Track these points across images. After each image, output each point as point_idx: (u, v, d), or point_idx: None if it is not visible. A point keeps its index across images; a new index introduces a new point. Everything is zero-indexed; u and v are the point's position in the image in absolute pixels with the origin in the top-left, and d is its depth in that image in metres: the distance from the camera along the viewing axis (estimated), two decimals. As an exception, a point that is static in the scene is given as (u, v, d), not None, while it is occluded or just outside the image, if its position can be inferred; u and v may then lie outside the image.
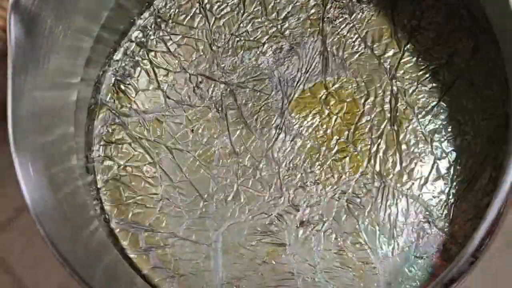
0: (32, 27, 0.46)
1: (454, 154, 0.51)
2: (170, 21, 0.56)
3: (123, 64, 0.56)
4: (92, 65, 0.55)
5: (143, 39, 0.56)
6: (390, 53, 0.53)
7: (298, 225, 0.52)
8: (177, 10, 0.56)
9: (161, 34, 0.56)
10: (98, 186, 0.55)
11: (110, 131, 0.55)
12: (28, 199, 0.44)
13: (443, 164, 0.51)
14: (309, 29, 0.54)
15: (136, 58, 0.56)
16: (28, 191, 0.44)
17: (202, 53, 0.55)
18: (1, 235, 0.64)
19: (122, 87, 0.56)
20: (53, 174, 0.49)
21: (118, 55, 0.56)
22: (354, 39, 0.53)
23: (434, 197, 0.50)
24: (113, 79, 0.56)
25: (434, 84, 0.52)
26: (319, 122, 0.53)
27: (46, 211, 0.46)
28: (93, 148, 0.55)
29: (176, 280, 0.53)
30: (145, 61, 0.56)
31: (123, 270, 0.52)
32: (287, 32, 0.54)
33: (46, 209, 0.46)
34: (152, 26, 0.56)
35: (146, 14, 0.57)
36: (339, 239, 0.51)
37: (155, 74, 0.55)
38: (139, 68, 0.56)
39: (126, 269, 0.53)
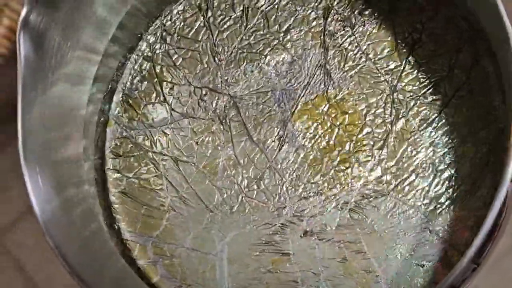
0: (40, 44, 0.46)
1: (454, 164, 0.50)
2: (176, 34, 0.56)
3: (131, 78, 0.56)
4: (100, 79, 0.55)
5: (149, 53, 0.56)
6: (392, 65, 0.52)
7: (302, 235, 0.52)
8: (182, 23, 0.56)
9: (166, 47, 0.56)
10: (107, 198, 0.55)
11: (118, 144, 0.55)
12: (37, 211, 0.45)
13: (444, 174, 0.50)
14: (310, 42, 0.54)
15: (143, 72, 0.56)
16: (38, 203, 0.45)
17: (206, 66, 0.55)
18: (9, 234, 0.65)
19: (130, 100, 0.56)
20: (63, 186, 0.49)
21: (126, 70, 0.56)
22: (355, 52, 0.53)
23: (435, 206, 0.50)
24: (120, 93, 0.56)
25: (435, 96, 0.51)
26: (322, 133, 0.53)
27: (55, 222, 0.46)
28: (103, 161, 0.55)
29: (183, 290, 0.53)
30: (151, 75, 0.56)
31: (132, 281, 0.52)
32: (288, 44, 0.54)
33: (55, 220, 0.46)
34: (158, 40, 0.56)
35: (153, 29, 0.56)
36: (342, 248, 0.51)
37: (161, 87, 0.55)
38: (146, 82, 0.56)
39: (134, 279, 0.53)
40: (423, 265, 0.50)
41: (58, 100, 0.49)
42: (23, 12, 0.44)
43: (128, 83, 0.56)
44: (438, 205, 0.50)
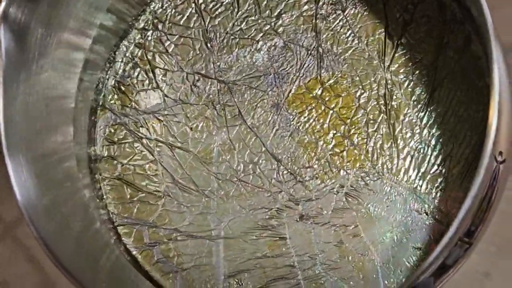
0: (22, 37, 0.43)
1: (450, 146, 0.47)
2: (167, 21, 0.53)
3: (123, 66, 0.53)
4: (91, 68, 0.52)
5: (141, 40, 0.53)
6: (384, 47, 0.49)
7: (298, 219, 0.49)
8: (173, 10, 0.53)
9: (158, 34, 0.53)
10: (102, 185, 0.52)
11: (112, 131, 0.52)
12: (21, 205, 0.42)
13: (439, 156, 0.47)
14: (302, 26, 0.51)
15: (135, 59, 0.53)
16: (21, 195, 0.42)
17: (198, 52, 0.52)
18: (20, 227, 0.62)
19: (122, 88, 0.53)
20: (51, 177, 0.46)
21: (117, 57, 0.53)
22: (347, 35, 0.50)
23: (431, 189, 0.47)
24: (113, 80, 0.53)
25: (428, 77, 0.48)
26: (316, 117, 0.50)
27: (42, 215, 0.43)
28: (96, 148, 0.52)
29: (179, 275, 0.50)
30: (143, 62, 0.53)
31: (127, 270, 0.50)
32: (280, 29, 0.51)
33: (42, 212, 0.43)
34: (150, 27, 0.53)
35: (144, 16, 0.53)
36: (338, 231, 0.48)
37: (154, 74, 0.52)
38: (138, 69, 0.53)
39: (129, 268, 0.50)
40: (420, 248, 0.47)
41: (43, 90, 0.46)
42: (3, 5, 0.41)
43: (121, 70, 0.53)
44: (434, 187, 0.47)
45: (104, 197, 0.52)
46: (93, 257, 0.48)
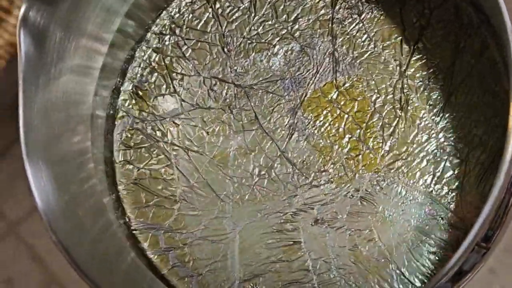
0: (41, 40, 0.43)
1: (466, 150, 0.46)
2: (184, 26, 0.53)
3: (140, 71, 0.53)
4: (108, 72, 0.52)
5: (158, 45, 0.53)
6: (400, 51, 0.49)
7: (313, 223, 0.48)
8: (190, 15, 0.53)
9: (176, 39, 0.53)
10: (118, 189, 0.51)
11: (129, 135, 0.52)
12: (41, 210, 0.42)
13: (455, 160, 0.47)
14: (319, 30, 0.50)
15: (153, 64, 0.53)
16: (41, 200, 0.42)
17: (215, 56, 0.52)
18: (25, 224, 0.62)
19: (140, 92, 0.52)
20: (70, 182, 0.46)
21: (135, 62, 0.53)
22: (363, 39, 0.49)
23: (446, 193, 0.46)
24: (130, 85, 0.53)
25: (444, 82, 0.47)
26: (331, 121, 0.49)
27: (60, 219, 0.43)
28: (113, 153, 0.52)
29: (194, 279, 0.49)
30: (161, 67, 0.53)
31: (142, 274, 0.49)
32: (297, 33, 0.51)
33: (60, 217, 0.43)
34: (167, 32, 0.53)
35: (161, 21, 0.53)
36: (353, 235, 0.48)
37: (171, 78, 0.52)
38: (155, 74, 0.53)
39: (145, 272, 0.50)
40: (435, 253, 0.46)
41: (61, 94, 0.46)
42: (22, 9, 0.42)
43: (138, 75, 0.53)
44: (449, 191, 0.46)
45: (121, 201, 0.51)
46: (109, 261, 0.47)
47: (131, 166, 0.52)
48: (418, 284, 0.46)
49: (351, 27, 0.50)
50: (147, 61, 0.53)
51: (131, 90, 0.52)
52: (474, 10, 0.48)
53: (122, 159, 0.52)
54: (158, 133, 0.51)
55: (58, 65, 0.45)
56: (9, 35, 0.62)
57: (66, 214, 0.44)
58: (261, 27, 0.51)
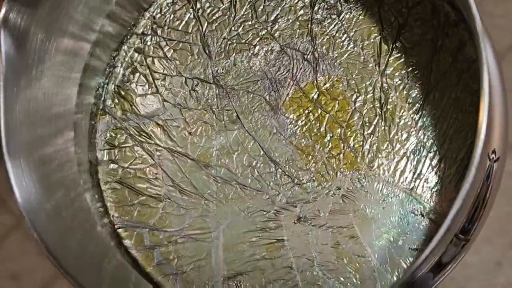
0: (22, 42, 0.42)
1: (445, 147, 0.46)
2: (166, 27, 0.52)
3: (122, 71, 0.52)
4: (91, 72, 0.51)
5: (140, 45, 0.52)
6: (379, 51, 0.48)
7: (296, 221, 0.48)
8: (172, 16, 0.52)
9: (157, 40, 0.52)
10: (103, 189, 0.51)
11: (113, 135, 0.51)
12: (22, 208, 0.41)
13: (435, 157, 0.46)
14: (298, 30, 0.50)
15: (135, 64, 0.52)
16: (23, 199, 0.41)
17: (196, 57, 0.51)
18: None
19: (122, 92, 0.52)
20: (52, 181, 0.45)
21: (117, 62, 0.52)
22: (343, 39, 0.49)
23: (426, 190, 0.46)
24: (113, 85, 0.52)
25: (423, 80, 0.47)
26: (313, 120, 0.49)
27: (44, 219, 0.42)
28: (97, 152, 0.51)
29: (179, 277, 0.49)
30: (143, 67, 0.52)
31: (128, 272, 0.49)
32: (277, 34, 0.50)
33: (44, 217, 0.42)
34: (149, 33, 0.52)
35: (143, 21, 0.52)
36: (335, 233, 0.47)
37: (153, 79, 0.51)
38: (138, 74, 0.52)
39: (130, 270, 0.49)
40: (417, 249, 0.46)
41: (43, 95, 0.46)
42: (3, 10, 0.41)
43: (120, 75, 0.52)
44: (429, 188, 0.46)
45: (105, 200, 0.51)
46: (95, 260, 0.47)
47: (115, 166, 0.51)
48: (401, 280, 0.46)
49: (331, 27, 0.49)
50: (129, 61, 0.52)
51: (114, 90, 0.52)
52: (451, 8, 0.47)
53: (107, 159, 0.51)
54: (142, 133, 0.51)
55: (39, 66, 0.45)
56: None
57: (50, 213, 0.43)
58: (241, 28, 0.50)
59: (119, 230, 0.50)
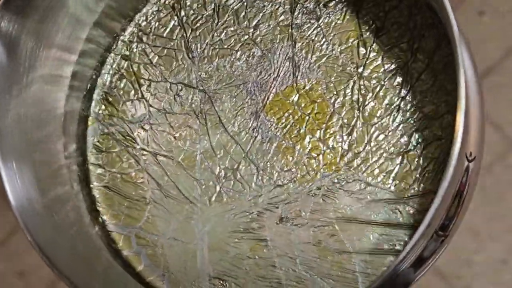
0: (13, 49, 0.44)
1: (421, 147, 0.47)
2: (151, 34, 0.53)
3: (110, 77, 0.53)
4: (79, 78, 0.52)
5: (127, 52, 0.53)
6: (357, 54, 0.49)
7: (278, 222, 0.48)
8: (157, 23, 0.53)
9: (143, 46, 0.53)
10: (92, 193, 0.51)
11: (101, 140, 0.52)
12: (16, 211, 0.42)
13: (412, 157, 0.47)
14: (279, 36, 0.50)
15: (121, 70, 0.53)
16: (16, 201, 0.42)
17: (181, 63, 0.52)
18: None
19: (109, 98, 0.52)
20: (44, 186, 0.46)
21: (104, 69, 0.53)
22: (322, 43, 0.49)
23: (405, 188, 0.46)
24: (101, 91, 0.53)
25: (399, 81, 0.48)
26: (293, 123, 0.49)
27: (37, 222, 0.43)
28: (86, 157, 0.52)
29: (166, 278, 0.50)
30: (129, 73, 0.53)
31: (118, 273, 0.49)
32: (258, 39, 0.51)
33: (37, 219, 0.43)
34: (135, 40, 0.53)
35: (129, 29, 0.53)
36: (316, 232, 0.48)
37: (139, 84, 0.52)
38: (124, 80, 0.53)
39: (120, 271, 0.50)
40: (395, 245, 0.46)
41: (34, 102, 0.46)
42: None
43: (107, 82, 0.53)
44: (408, 187, 0.47)
45: (95, 204, 0.51)
46: (87, 262, 0.48)
47: (102, 170, 0.52)
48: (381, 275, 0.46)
49: (310, 31, 0.50)
50: (116, 68, 0.53)
51: (101, 97, 0.52)
52: (427, 11, 0.48)
53: (95, 163, 0.52)
54: (128, 138, 0.51)
55: (30, 74, 0.46)
56: None
57: (42, 216, 0.44)
58: (223, 34, 0.51)
59: (109, 233, 0.51)
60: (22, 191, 0.43)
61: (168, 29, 0.52)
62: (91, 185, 0.51)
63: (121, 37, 0.53)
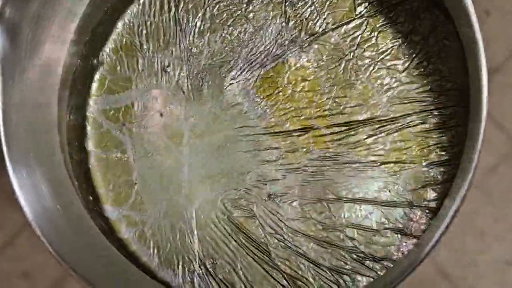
0: (15, 35, 0.43)
1: (413, 122, 0.47)
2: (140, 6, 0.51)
3: (96, 53, 0.51)
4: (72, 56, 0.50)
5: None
6: (350, 33, 0.48)
7: (266, 199, 0.48)
8: (146, -5, 0.51)
9: (131, 20, 0.51)
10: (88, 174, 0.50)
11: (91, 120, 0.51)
12: (21, 200, 0.42)
13: (400, 135, 0.47)
14: (271, 12, 0.49)
15: (112, 46, 0.51)
16: (25, 199, 0.43)
17: (169, 38, 0.50)
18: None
19: (97, 75, 0.51)
20: (51, 177, 0.46)
21: (93, 43, 0.51)
22: (315, 21, 0.49)
23: (394, 166, 0.47)
24: (88, 67, 0.51)
25: (393, 62, 0.47)
26: (282, 100, 0.48)
27: (52, 225, 0.43)
28: (74, 138, 0.50)
29: (157, 258, 0.49)
30: (116, 49, 0.51)
31: (114, 256, 0.48)
32: (250, 15, 0.49)
33: (52, 222, 0.43)
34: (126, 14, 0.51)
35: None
36: (304, 209, 0.47)
37: (126, 60, 0.51)
38: (112, 55, 0.51)
39: (115, 254, 0.48)
40: (384, 223, 0.46)
41: (35, 88, 0.46)
42: None
43: (96, 58, 0.51)
44: (397, 165, 0.47)
45: (87, 186, 0.50)
46: (88, 247, 0.47)
47: (88, 149, 0.50)
48: (369, 254, 0.46)
49: (304, 9, 0.49)
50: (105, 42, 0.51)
51: (87, 72, 0.51)
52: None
53: (81, 145, 0.51)
54: (114, 116, 0.50)
55: (31, 59, 0.45)
56: None
57: (49, 210, 0.44)
58: (216, 8, 0.50)
59: (105, 217, 0.50)
60: (29, 186, 0.43)
61: (158, 2, 0.51)
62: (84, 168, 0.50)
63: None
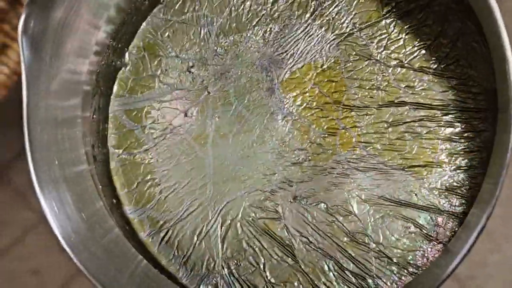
0: (38, 46, 0.42)
1: (437, 129, 0.46)
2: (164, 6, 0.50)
3: (119, 54, 0.50)
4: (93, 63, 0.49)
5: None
6: (378, 34, 0.47)
7: (292, 200, 0.47)
8: (170, -5, 0.50)
9: (154, 20, 0.50)
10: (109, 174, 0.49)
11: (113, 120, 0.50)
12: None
13: (427, 138, 0.46)
14: (297, 12, 0.48)
15: (133, 48, 0.50)
16: (50, 210, 0.42)
17: (193, 38, 0.49)
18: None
19: (120, 76, 0.50)
20: (67, 175, 0.45)
21: (117, 45, 0.50)
22: (342, 21, 0.47)
23: (419, 170, 0.46)
24: (111, 68, 0.49)
25: (420, 64, 0.46)
26: (309, 101, 0.47)
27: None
28: (97, 140, 0.49)
29: (180, 259, 0.47)
30: (139, 49, 0.50)
31: (133, 257, 0.47)
32: (276, 14, 0.48)
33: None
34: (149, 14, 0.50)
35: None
36: (330, 211, 0.46)
37: (150, 60, 0.49)
38: (134, 57, 0.50)
39: (136, 256, 0.47)
40: (410, 227, 0.45)
41: (59, 96, 0.45)
42: (23, 17, 0.40)
43: (117, 59, 0.50)
44: (423, 168, 0.46)
45: (110, 187, 0.49)
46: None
47: (112, 150, 0.49)
48: (394, 258, 0.45)
49: (330, 9, 0.47)
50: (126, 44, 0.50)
51: (111, 73, 0.49)
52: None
53: (108, 145, 0.50)
54: (137, 117, 0.49)
55: (53, 67, 0.44)
56: (14, 63, 0.56)
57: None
58: (241, 8, 0.48)
59: (127, 217, 0.49)
60: (54, 194, 0.43)
61: (180, 1, 0.49)
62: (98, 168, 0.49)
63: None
